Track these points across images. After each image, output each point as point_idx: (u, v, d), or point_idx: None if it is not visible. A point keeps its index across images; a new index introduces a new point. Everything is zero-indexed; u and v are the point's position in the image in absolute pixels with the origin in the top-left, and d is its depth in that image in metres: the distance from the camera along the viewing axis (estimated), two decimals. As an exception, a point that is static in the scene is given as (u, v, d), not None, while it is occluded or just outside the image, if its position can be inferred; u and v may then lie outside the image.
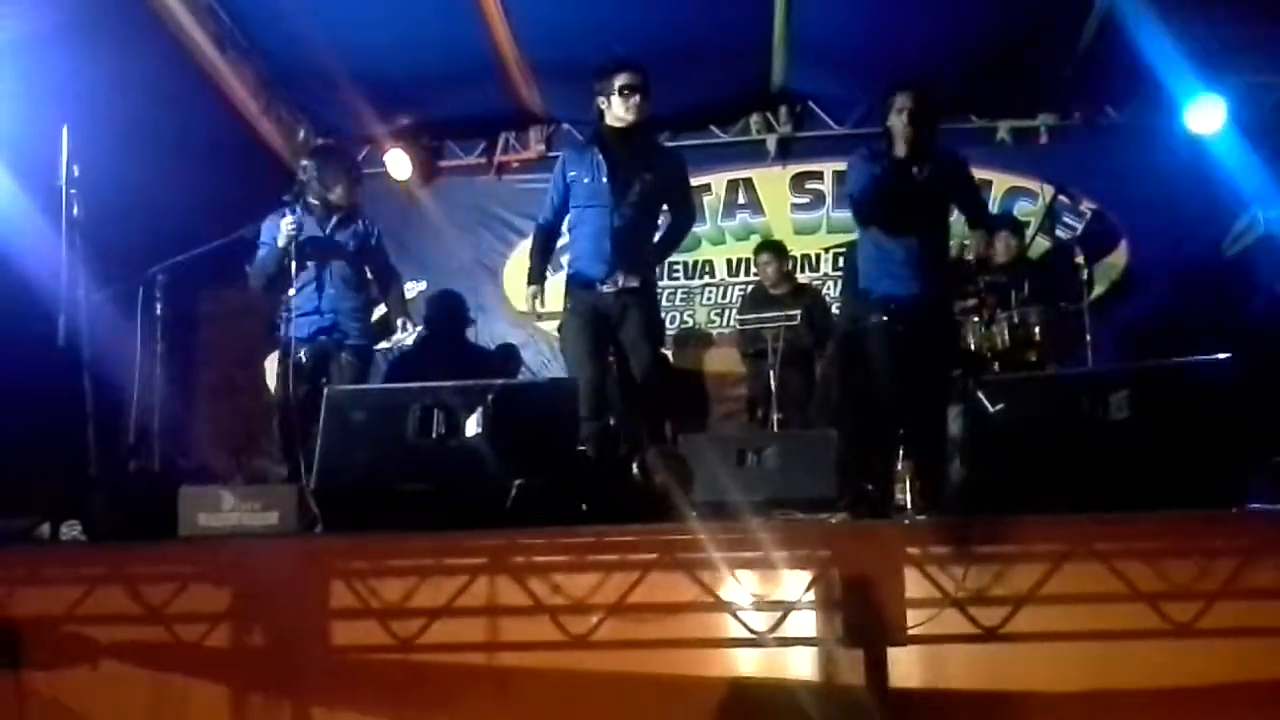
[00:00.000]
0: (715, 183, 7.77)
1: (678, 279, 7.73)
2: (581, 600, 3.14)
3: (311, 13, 6.29)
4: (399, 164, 7.56)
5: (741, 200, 7.80)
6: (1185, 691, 2.96)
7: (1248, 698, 2.91)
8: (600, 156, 4.68)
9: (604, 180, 4.64)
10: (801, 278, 7.31)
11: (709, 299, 7.75)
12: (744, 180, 7.79)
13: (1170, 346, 4.92)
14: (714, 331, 7.68)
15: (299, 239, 4.96)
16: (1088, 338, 5.54)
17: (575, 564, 3.16)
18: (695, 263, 7.77)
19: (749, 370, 6.98)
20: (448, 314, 6.98)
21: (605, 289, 4.61)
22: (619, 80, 4.61)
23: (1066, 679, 2.99)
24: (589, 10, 6.29)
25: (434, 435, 3.53)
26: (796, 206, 7.72)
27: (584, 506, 3.50)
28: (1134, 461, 3.29)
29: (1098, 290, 6.79)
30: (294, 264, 4.92)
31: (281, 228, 4.95)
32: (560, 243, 5.13)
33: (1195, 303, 6.31)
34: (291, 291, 4.96)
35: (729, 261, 7.77)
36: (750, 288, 7.36)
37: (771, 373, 6.27)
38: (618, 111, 4.64)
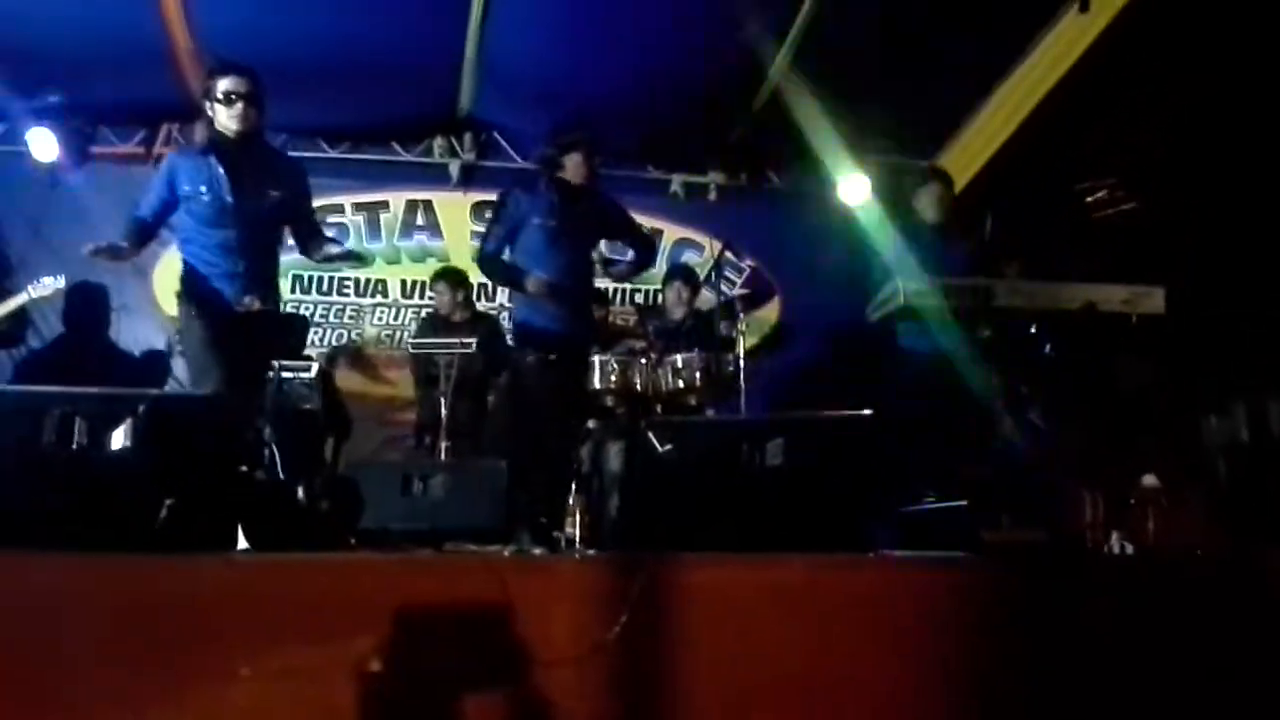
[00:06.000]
0: (394, 201, 7.63)
1: (348, 295, 7.51)
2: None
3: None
4: (43, 144, 6.83)
5: (420, 222, 7.70)
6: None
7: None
8: (220, 170, 4.28)
9: (228, 199, 4.28)
10: (480, 306, 7.31)
11: (380, 319, 7.58)
12: (424, 202, 7.69)
13: (811, 399, 5.33)
14: (384, 353, 7.51)
15: None
16: (740, 385, 5.91)
17: (237, 589, 2.97)
18: (367, 280, 7.57)
19: (420, 396, 6.85)
20: (90, 311, 6.38)
21: (237, 309, 4.32)
22: (221, 85, 4.26)
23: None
24: (272, 10, 6.01)
25: (74, 446, 3.20)
26: (477, 234, 7.68)
27: (242, 532, 3.30)
28: (785, 505, 3.54)
29: (750, 341, 7.26)
30: None
31: None
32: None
33: (838, 360, 6.89)
34: None
35: (403, 283, 7.62)
36: (427, 312, 7.27)
37: (443, 400, 6.19)
38: (222, 119, 4.28)
